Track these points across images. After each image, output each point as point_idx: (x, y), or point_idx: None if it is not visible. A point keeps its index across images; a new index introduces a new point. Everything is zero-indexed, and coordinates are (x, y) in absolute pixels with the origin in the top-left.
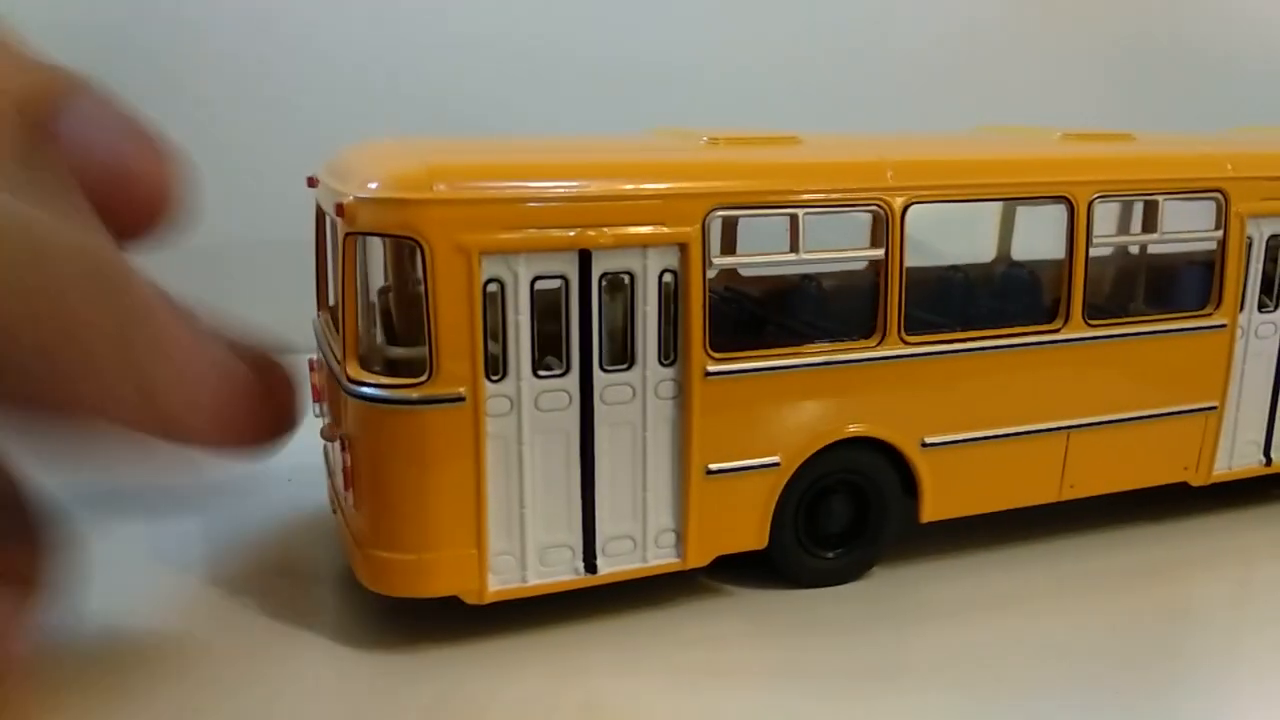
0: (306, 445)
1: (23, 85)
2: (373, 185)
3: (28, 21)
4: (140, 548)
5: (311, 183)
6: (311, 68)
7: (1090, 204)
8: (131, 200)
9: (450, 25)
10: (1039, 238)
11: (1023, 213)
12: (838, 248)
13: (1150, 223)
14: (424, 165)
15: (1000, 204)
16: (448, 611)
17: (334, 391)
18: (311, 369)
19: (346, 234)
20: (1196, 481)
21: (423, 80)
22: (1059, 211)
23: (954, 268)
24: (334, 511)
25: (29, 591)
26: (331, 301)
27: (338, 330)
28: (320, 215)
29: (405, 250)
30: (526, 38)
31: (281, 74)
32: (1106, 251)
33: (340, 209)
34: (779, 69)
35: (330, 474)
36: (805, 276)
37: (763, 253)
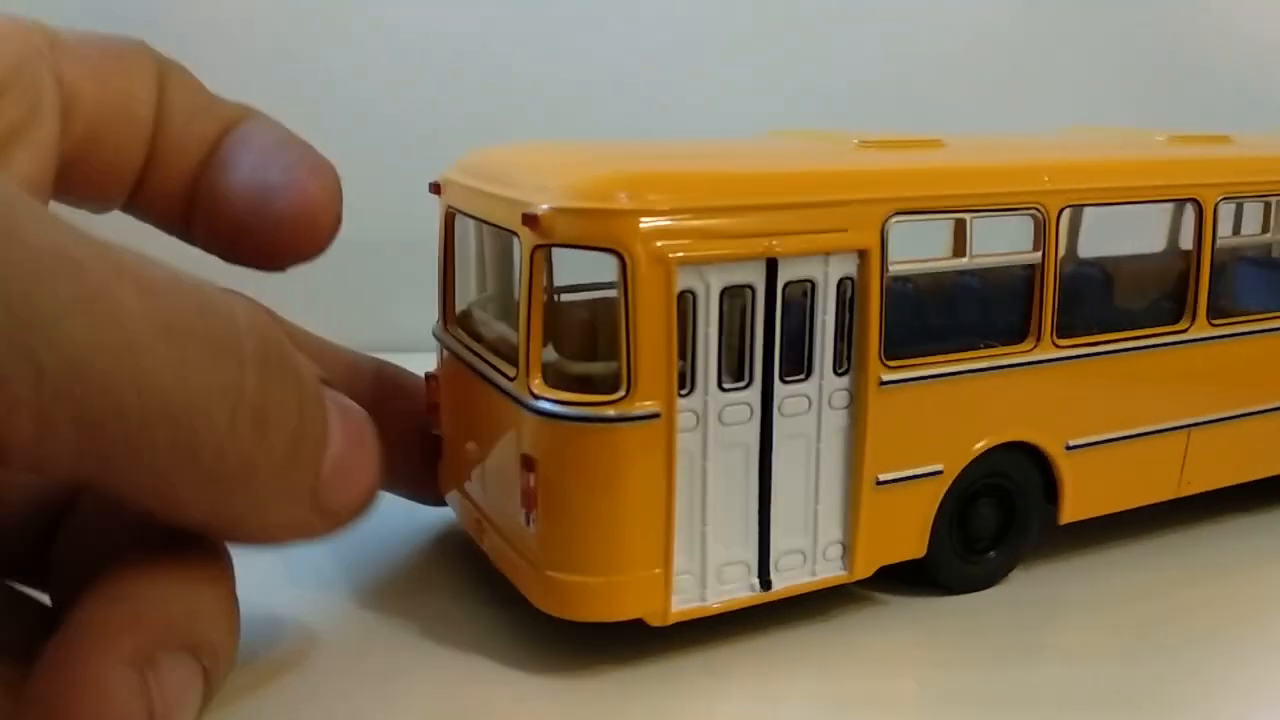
0: None
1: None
2: (566, 195)
3: None
4: (274, 574)
5: (435, 189)
6: (302, 85)
7: (1216, 206)
8: (299, 220)
9: (446, 39)
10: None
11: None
12: (998, 252)
13: (1265, 223)
14: (618, 174)
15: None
16: (608, 630)
17: (485, 407)
18: (430, 384)
19: (536, 246)
20: None
21: (418, 84)
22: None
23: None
24: (477, 534)
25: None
26: (460, 310)
27: (481, 341)
28: (449, 222)
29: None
30: (528, 44)
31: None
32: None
33: (533, 220)
34: (777, 71)
35: (466, 495)
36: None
37: (931, 258)
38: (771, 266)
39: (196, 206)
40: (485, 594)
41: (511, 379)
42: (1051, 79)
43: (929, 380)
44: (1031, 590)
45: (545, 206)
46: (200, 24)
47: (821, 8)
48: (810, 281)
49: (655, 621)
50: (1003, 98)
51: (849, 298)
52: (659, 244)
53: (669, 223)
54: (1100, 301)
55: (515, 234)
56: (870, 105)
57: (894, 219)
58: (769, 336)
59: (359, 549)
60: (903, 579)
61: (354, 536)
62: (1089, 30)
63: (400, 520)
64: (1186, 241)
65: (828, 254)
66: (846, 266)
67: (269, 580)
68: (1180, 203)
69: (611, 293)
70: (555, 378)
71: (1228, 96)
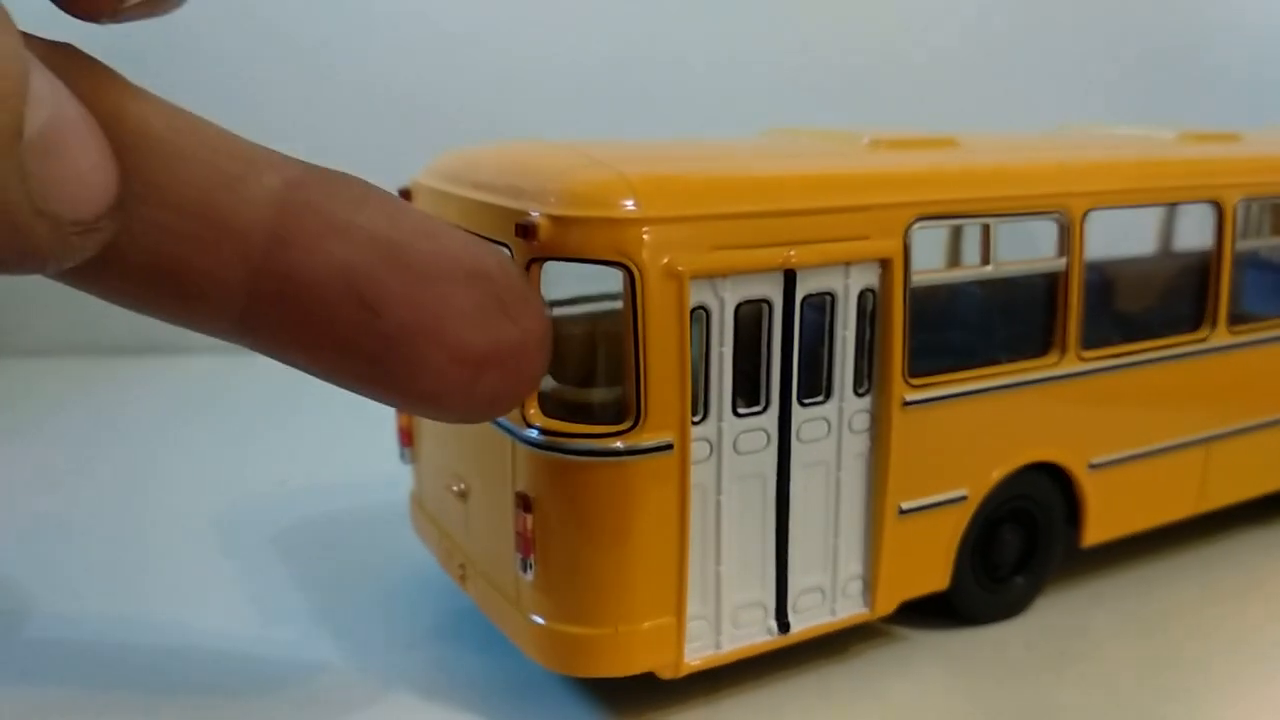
0: (306, 446)
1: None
2: (565, 202)
3: None
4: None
5: (405, 195)
6: (298, 68)
7: (1236, 207)
8: None
9: (439, 26)
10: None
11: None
12: (1023, 259)
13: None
14: (621, 178)
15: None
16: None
17: (471, 438)
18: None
19: (532, 259)
20: None
21: (410, 82)
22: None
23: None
24: (459, 579)
25: None
26: None
27: None
28: None
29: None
30: (518, 37)
31: (265, 74)
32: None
33: (529, 230)
34: (765, 67)
35: (446, 535)
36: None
37: (956, 267)
38: (790, 278)
39: None
40: (467, 638)
41: None
42: (1039, 73)
43: (954, 399)
44: (1057, 617)
45: (543, 215)
46: (202, 15)
47: (813, 3)
48: (830, 294)
49: (667, 674)
50: (992, 92)
51: (870, 311)
52: (670, 256)
53: (684, 232)
54: (1113, 309)
55: (505, 245)
56: (862, 100)
57: (917, 224)
58: (786, 355)
59: (332, 582)
60: (919, 609)
61: (326, 570)
62: (1080, 24)
63: (377, 556)
64: (1183, 244)
65: (849, 264)
66: (868, 277)
67: (244, 632)
68: (1197, 204)
69: (609, 305)
70: (552, 406)
71: (1222, 89)
